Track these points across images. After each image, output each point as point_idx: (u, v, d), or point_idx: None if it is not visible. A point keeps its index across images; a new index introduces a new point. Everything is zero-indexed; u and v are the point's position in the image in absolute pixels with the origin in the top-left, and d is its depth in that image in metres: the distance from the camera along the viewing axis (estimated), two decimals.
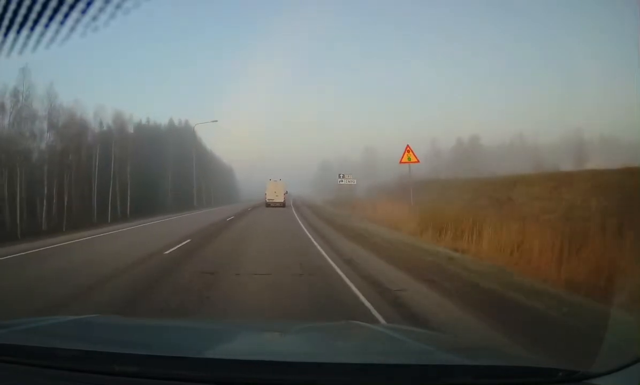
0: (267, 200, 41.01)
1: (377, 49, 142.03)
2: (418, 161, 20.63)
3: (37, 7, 1.91)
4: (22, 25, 1.96)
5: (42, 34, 1.99)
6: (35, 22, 1.95)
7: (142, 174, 40.09)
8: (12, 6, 1.92)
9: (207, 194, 58.22)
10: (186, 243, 12.77)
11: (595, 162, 26.59)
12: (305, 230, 17.67)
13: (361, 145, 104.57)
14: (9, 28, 1.97)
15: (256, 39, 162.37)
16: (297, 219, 24.67)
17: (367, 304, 5.99)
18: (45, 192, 28.48)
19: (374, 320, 5.06)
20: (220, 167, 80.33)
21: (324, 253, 11.02)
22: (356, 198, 36.88)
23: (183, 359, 1.73)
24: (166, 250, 11.18)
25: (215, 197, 61.48)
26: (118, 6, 1.95)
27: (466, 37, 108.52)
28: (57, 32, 1.98)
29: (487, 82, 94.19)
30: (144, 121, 52.52)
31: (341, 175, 35.64)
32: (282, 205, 40.24)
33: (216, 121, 40.46)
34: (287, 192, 43.48)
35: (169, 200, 45.14)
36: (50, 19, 1.93)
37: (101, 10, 1.94)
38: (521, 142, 48.45)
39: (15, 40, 2.02)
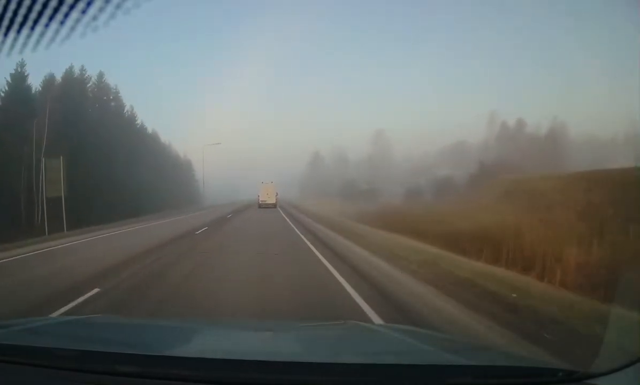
0: (260, 202, 44.53)
1: (378, 29, 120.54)
2: None
3: (37, 7, 1.91)
4: (22, 25, 1.96)
5: (42, 34, 2.00)
6: (35, 22, 1.95)
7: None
8: (12, 6, 1.92)
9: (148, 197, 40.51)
10: None
11: None
12: None
13: (367, 135, 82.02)
14: (9, 28, 1.98)
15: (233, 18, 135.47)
16: None
17: None
18: None
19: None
20: (170, 159, 59.66)
21: None
22: (395, 207, 22.17)
23: (183, 359, 1.73)
24: None
25: (152, 203, 42.38)
26: (118, 6, 1.96)
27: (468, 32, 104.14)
28: (57, 32, 1.99)
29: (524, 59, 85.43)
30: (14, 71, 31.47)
31: None
32: (274, 206, 43.04)
33: None
34: (277, 194, 46.53)
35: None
36: (50, 18, 1.94)
37: (101, 10, 1.95)
38: (562, 132, 41.63)
39: (15, 40, 2.03)
